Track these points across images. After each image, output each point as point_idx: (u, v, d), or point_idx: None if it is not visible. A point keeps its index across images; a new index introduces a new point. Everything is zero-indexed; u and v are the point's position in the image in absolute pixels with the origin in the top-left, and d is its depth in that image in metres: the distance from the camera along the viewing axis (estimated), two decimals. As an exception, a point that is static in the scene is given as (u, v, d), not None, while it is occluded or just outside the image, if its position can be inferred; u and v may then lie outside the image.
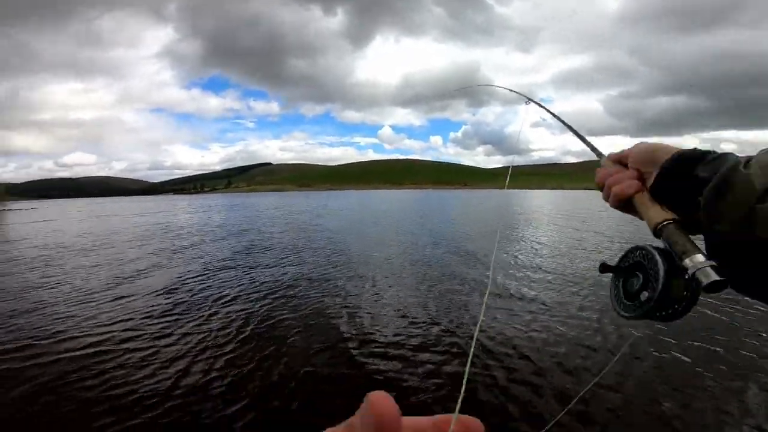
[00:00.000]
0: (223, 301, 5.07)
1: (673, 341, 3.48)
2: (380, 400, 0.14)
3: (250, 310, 4.63)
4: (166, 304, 4.96)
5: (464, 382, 0.21)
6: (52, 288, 5.95)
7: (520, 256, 7.74)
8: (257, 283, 5.91)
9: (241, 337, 3.81)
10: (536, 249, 8.76)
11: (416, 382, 2.89)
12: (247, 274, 6.66)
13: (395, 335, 3.77)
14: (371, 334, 3.82)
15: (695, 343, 3.47)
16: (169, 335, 3.88)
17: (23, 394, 2.81)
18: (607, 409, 2.51)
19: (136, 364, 3.24)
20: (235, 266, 7.30)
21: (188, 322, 4.28)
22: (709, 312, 4.15)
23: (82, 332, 3.97)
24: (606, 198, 0.46)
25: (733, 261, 0.34)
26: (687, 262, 0.33)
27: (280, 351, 3.47)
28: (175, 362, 3.27)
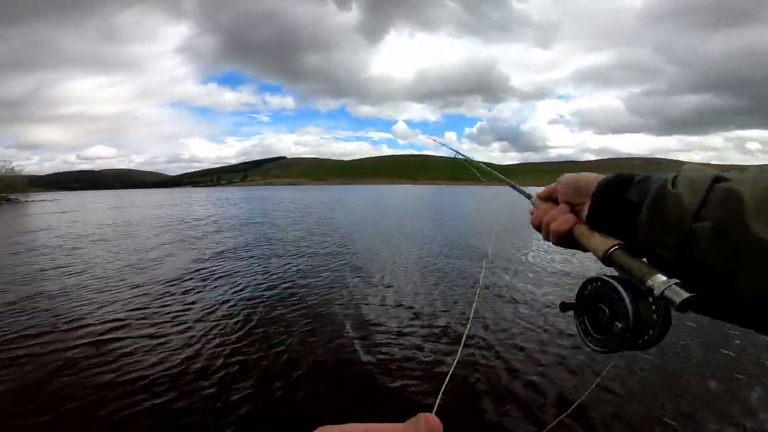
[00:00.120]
0: (234, 290, 5.20)
1: (672, 341, 3.41)
2: (432, 422, 0.18)
3: (260, 300, 4.75)
4: (181, 292, 5.12)
5: (445, 380, 0.23)
6: (72, 275, 6.20)
7: (519, 256, 7.65)
8: (268, 274, 6.03)
9: (250, 325, 3.90)
10: (542, 246, 8.63)
11: (417, 375, 2.91)
12: (260, 264, 6.81)
13: (398, 329, 3.78)
14: (376, 326, 3.85)
15: (695, 343, 3.41)
16: (182, 323, 4.01)
17: (42, 376, 2.96)
18: (607, 409, 2.47)
19: (151, 350, 3.36)
20: (248, 257, 7.45)
21: (201, 309, 4.42)
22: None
23: (99, 320, 4.14)
24: (546, 237, 0.46)
25: (687, 280, 0.32)
26: (650, 283, 0.32)
27: (286, 341, 3.54)
28: (185, 348, 3.38)
